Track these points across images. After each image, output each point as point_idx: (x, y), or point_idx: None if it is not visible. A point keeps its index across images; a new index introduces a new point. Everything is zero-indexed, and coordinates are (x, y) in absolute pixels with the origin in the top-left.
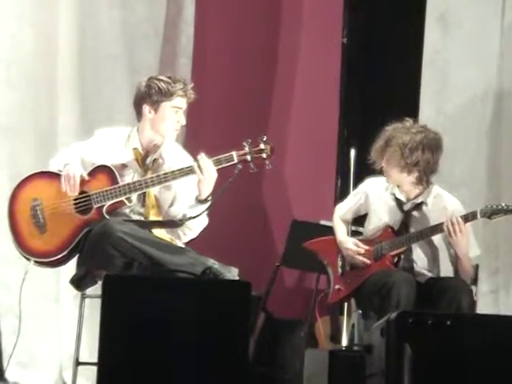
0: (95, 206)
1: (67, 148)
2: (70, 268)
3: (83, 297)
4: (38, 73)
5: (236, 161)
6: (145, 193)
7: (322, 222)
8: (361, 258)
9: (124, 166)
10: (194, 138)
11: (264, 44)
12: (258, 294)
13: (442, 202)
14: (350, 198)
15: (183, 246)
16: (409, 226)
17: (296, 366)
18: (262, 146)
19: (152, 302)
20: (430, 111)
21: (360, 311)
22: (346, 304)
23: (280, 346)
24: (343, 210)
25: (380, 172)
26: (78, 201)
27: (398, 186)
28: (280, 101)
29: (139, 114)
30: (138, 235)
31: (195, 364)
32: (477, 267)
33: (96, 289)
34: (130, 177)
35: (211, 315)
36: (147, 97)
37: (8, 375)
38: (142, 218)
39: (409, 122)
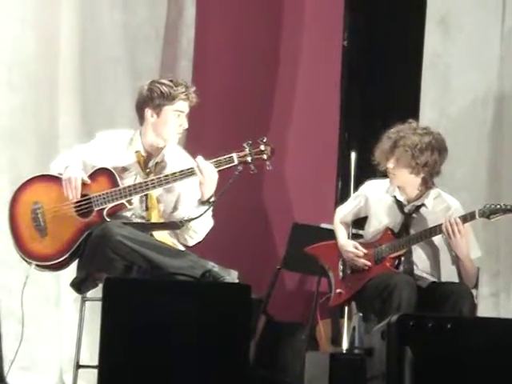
0: (96, 209)
1: (68, 150)
2: (71, 271)
3: (84, 300)
4: (40, 75)
5: (236, 162)
6: (147, 195)
7: (323, 225)
8: (361, 260)
9: (126, 169)
10: (195, 140)
11: (265, 46)
12: (258, 296)
13: (443, 203)
14: (350, 200)
15: (183, 249)
16: (409, 228)
17: (297, 369)
18: (262, 147)
19: (152, 305)
20: (430, 114)
21: (361, 314)
22: (346, 307)
23: (281, 349)
24: (343, 213)
25: (383, 174)
26: (78, 204)
27: (399, 188)
28: (281, 103)
29: (141, 117)
30: (138, 238)
31: (196, 367)
32: (477, 270)
33: (96, 292)
34: (131, 179)
35: (211, 318)
36: (149, 100)
37: (9, 378)
38: (144, 221)
39: (414, 123)
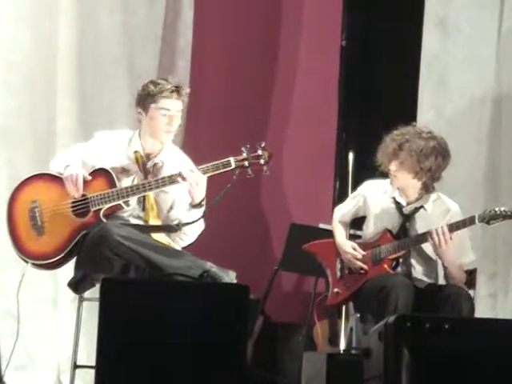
0: (92, 209)
1: (66, 150)
2: (68, 271)
3: (81, 300)
4: (37, 75)
5: (234, 166)
6: (144, 196)
7: (321, 226)
8: (358, 263)
9: (125, 170)
10: (192, 142)
11: (263, 47)
12: (256, 297)
13: (442, 206)
14: (348, 200)
15: (180, 248)
16: (408, 230)
17: (294, 370)
18: (259, 151)
19: (150, 305)
20: (428, 115)
21: (358, 315)
22: (344, 307)
23: (278, 350)
24: (342, 212)
25: (381, 174)
26: (75, 203)
27: (399, 189)
28: (279, 104)
29: (137, 117)
30: (136, 238)
31: (193, 368)
32: (475, 271)
33: (94, 292)
34: (130, 180)
35: (209, 318)
36: (140, 100)
37: (6, 378)
38: (142, 222)
39: (417, 126)
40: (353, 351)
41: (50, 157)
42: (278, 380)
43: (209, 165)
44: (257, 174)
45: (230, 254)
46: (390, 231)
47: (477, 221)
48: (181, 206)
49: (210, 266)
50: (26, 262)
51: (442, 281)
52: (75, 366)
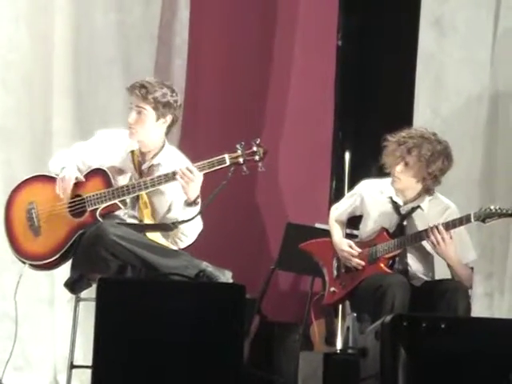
0: (89, 209)
1: (66, 149)
2: (65, 271)
3: (77, 300)
4: (34, 75)
5: (228, 163)
6: (138, 196)
7: (317, 225)
8: (355, 260)
9: (122, 169)
10: (188, 140)
11: (259, 46)
12: (252, 296)
13: (439, 205)
14: (345, 199)
15: (177, 248)
16: (404, 230)
17: (291, 369)
18: (254, 148)
19: (146, 305)
20: (425, 114)
21: (355, 314)
22: (340, 307)
23: (275, 349)
24: (339, 211)
25: (381, 174)
26: (72, 204)
27: (395, 189)
28: (275, 103)
29: None
30: (132, 238)
31: (189, 367)
32: (471, 270)
33: (90, 292)
34: (127, 180)
35: (205, 318)
36: None
37: (3, 379)
38: (136, 221)
39: (425, 129)
40: (349, 350)
41: (46, 157)
42: (274, 379)
43: (204, 162)
44: (252, 171)
45: (226, 254)
46: (386, 230)
47: (472, 219)
48: (178, 208)
49: (205, 265)
50: (24, 262)
51: (438, 276)
52: (72, 366)
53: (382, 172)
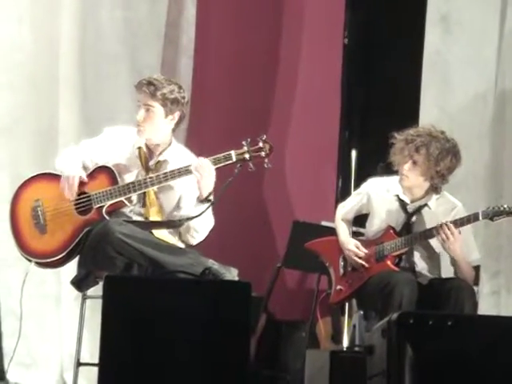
0: (95, 207)
1: (72, 146)
2: (71, 269)
3: (84, 298)
4: (40, 72)
5: (235, 160)
6: (145, 193)
7: (323, 223)
8: (360, 261)
9: (128, 166)
10: (195, 137)
11: (265, 44)
12: (259, 294)
13: (446, 204)
14: (352, 197)
15: (183, 246)
16: (411, 228)
17: (297, 367)
18: (260, 144)
19: (152, 302)
20: (431, 112)
21: (361, 312)
22: (347, 304)
23: (281, 347)
24: (345, 210)
25: (388, 172)
26: (78, 201)
27: (403, 187)
28: (281, 101)
29: None
30: (138, 236)
31: (196, 365)
32: (478, 268)
33: (97, 289)
34: (133, 177)
35: (212, 316)
36: None
37: (9, 376)
38: (142, 218)
39: (432, 127)
40: (356, 348)
41: (52, 154)
42: (280, 377)
43: (210, 158)
44: (259, 169)
45: (233, 252)
46: (393, 228)
47: (481, 217)
48: (188, 203)
49: (211, 263)
50: (30, 260)
51: (444, 274)
52: (78, 364)
53: (388, 170)
